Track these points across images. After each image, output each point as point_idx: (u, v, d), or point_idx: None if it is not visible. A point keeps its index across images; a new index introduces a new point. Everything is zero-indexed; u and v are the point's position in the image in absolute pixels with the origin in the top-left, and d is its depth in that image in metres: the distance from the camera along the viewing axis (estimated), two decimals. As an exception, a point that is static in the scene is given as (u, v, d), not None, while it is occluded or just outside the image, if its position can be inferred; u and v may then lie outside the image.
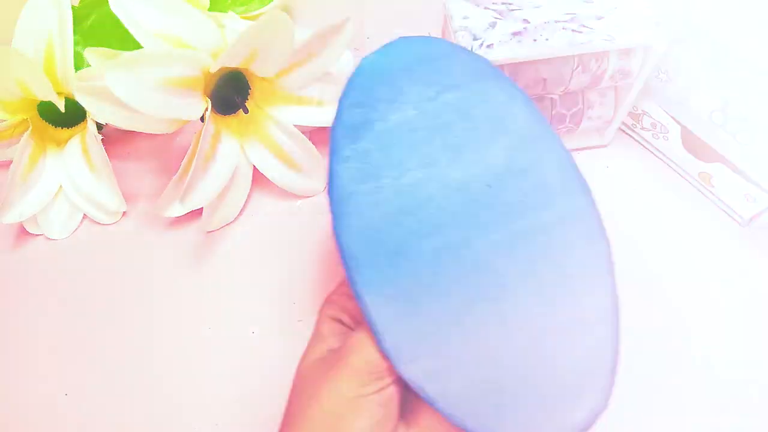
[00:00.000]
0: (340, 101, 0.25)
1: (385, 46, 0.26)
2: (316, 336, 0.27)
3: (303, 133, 0.38)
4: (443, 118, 0.25)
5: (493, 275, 0.24)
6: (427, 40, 0.26)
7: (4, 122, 0.37)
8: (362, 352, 0.23)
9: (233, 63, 0.34)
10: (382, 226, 0.24)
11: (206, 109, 0.34)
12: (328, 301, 0.28)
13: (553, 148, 0.25)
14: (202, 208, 0.37)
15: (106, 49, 0.37)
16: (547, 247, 0.25)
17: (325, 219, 0.39)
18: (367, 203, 0.24)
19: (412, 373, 0.23)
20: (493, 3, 0.33)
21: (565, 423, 0.24)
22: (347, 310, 0.27)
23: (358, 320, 0.27)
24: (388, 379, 0.24)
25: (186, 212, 0.38)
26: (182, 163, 0.35)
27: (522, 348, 0.24)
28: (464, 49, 0.26)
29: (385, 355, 0.23)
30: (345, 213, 0.24)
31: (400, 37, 0.26)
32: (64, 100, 0.36)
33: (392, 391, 0.24)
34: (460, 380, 0.24)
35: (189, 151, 0.35)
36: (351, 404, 0.23)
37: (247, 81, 0.37)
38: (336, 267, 0.36)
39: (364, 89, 0.25)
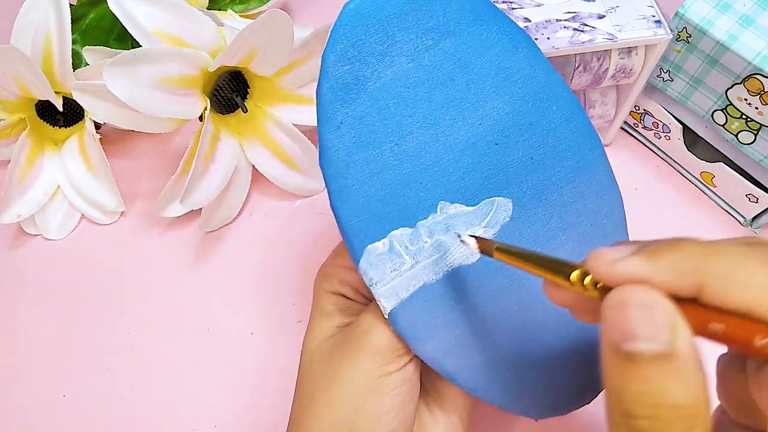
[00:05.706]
0: (325, 56, 0.22)
1: None
2: (320, 312, 0.25)
3: (302, 132, 0.38)
4: (443, 71, 0.23)
5: (506, 240, 0.23)
6: None
7: (2, 121, 0.37)
8: (383, 330, 0.23)
9: (232, 62, 0.33)
10: (386, 198, 0.22)
11: (205, 108, 0.34)
12: (324, 275, 0.26)
13: (561, 98, 0.24)
14: (200, 207, 0.37)
15: (105, 47, 0.37)
16: (559, 204, 0.24)
17: (325, 220, 0.39)
18: (368, 173, 0.22)
19: (429, 353, 0.22)
20: (494, 2, 0.33)
21: (585, 388, 0.24)
22: (347, 282, 0.25)
23: (366, 294, 0.26)
24: (409, 356, 0.23)
25: (185, 212, 0.37)
26: (181, 162, 0.35)
27: (541, 318, 0.24)
28: None
29: (399, 336, 0.22)
30: (343, 186, 0.22)
31: None
32: (62, 99, 0.36)
33: (413, 367, 0.23)
34: (479, 353, 0.23)
35: (188, 151, 0.35)
36: (375, 384, 0.22)
37: (246, 80, 0.37)
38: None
39: (351, 41, 0.22)
